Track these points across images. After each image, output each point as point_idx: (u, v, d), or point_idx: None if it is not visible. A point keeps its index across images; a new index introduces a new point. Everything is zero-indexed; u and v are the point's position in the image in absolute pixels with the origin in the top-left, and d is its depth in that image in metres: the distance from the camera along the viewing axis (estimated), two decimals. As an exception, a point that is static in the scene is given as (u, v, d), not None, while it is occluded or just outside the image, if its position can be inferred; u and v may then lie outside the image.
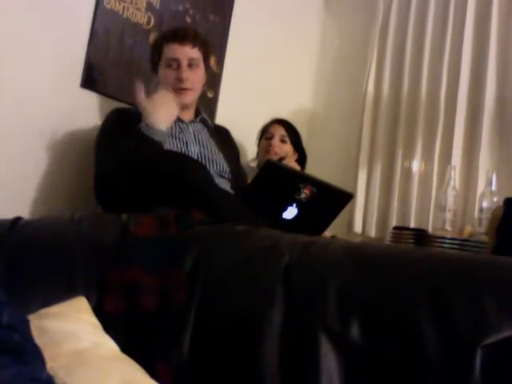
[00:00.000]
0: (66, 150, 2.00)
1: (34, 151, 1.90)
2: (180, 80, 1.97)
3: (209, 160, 1.97)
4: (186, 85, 1.98)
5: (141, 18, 2.25)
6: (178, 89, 1.97)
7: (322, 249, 1.21)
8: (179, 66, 1.98)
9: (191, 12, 2.46)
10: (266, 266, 1.21)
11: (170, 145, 1.92)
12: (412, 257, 1.15)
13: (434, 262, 1.12)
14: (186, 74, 1.97)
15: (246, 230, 1.34)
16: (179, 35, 2.02)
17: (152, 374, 1.04)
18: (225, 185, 1.96)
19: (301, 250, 1.22)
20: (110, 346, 1.05)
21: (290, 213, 1.73)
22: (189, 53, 1.99)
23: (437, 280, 1.06)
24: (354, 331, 1.05)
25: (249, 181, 2.15)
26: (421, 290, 1.05)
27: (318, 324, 1.08)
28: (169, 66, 1.99)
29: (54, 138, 1.96)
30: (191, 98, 2.03)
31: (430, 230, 2.45)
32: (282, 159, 2.44)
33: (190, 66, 1.99)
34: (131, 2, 2.21)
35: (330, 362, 1.04)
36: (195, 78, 2.01)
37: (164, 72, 2.00)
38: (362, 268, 1.13)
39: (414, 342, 1.00)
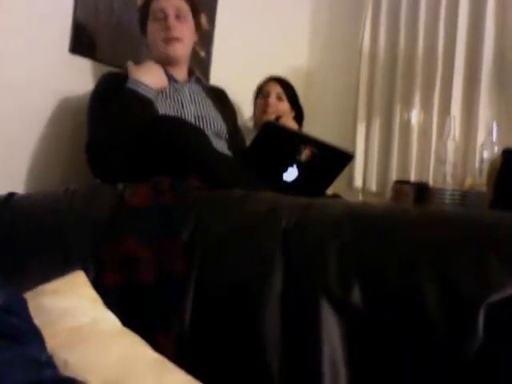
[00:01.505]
0: (60, 118, 1.96)
1: (25, 121, 1.86)
2: (167, 29, 1.93)
3: (205, 120, 1.94)
4: (174, 33, 1.94)
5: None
6: (167, 39, 1.94)
7: (321, 211, 1.20)
8: (166, 16, 1.94)
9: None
10: (264, 230, 1.20)
11: (165, 106, 1.90)
12: (412, 217, 1.14)
13: (434, 221, 1.10)
14: (174, 22, 1.94)
15: (243, 195, 1.32)
16: None
17: (154, 345, 1.04)
18: (222, 145, 1.94)
19: (299, 213, 1.20)
20: (109, 320, 1.05)
21: (291, 174, 1.71)
22: (175, 2, 1.97)
23: (437, 240, 1.05)
24: (355, 294, 1.04)
25: (246, 141, 2.13)
26: (422, 250, 1.04)
27: (318, 288, 1.07)
28: (156, 18, 1.96)
29: (45, 106, 1.92)
30: (181, 49, 1.98)
31: (430, 182, 2.44)
32: (279, 118, 2.40)
33: (178, 17, 1.96)
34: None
35: (331, 326, 1.04)
36: (184, 29, 1.97)
37: (152, 27, 1.97)
38: (361, 230, 1.11)
39: (415, 303, 1.00)
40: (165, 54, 1.95)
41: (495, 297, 0.95)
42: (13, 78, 1.80)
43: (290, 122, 2.42)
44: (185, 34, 1.98)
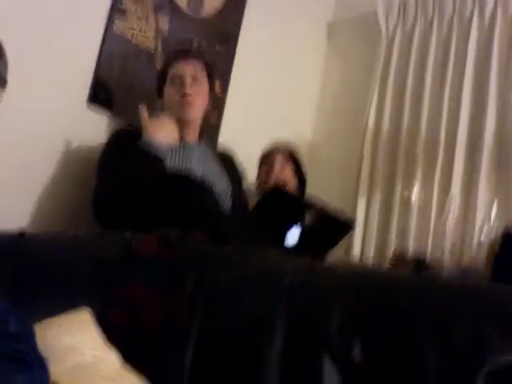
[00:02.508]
0: (70, 164, 2.01)
1: (38, 164, 1.91)
2: (183, 93, 2.00)
3: (212, 181, 1.98)
4: (189, 98, 2.00)
5: (149, 44, 2.29)
6: (182, 101, 2.00)
7: (325, 270, 1.23)
8: (183, 81, 2.01)
9: (198, 40, 2.50)
10: (268, 287, 1.22)
11: (173, 165, 1.94)
12: (415, 281, 1.17)
13: (436, 286, 1.13)
14: (189, 87, 2.01)
15: (249, 252, 1.35)
16: (182, 53, 2.13)
17: (153, 387, 1.04)
18: (227, 206, 1.97)
19: (304, 271, 1.23)
20: (113, 359, 1.05)
21: (293, 238, 1.74)
22: (192, 68, 2.04)
23: (439, 304, 1.07)
24: (357, 353, 1.05)
25: (249, 205, 2.17)
26: (423, 313, 1.06)
27: (321, 345, 1.08)
28: (173, 82, 2.03)
29: (58, 152, 1.98)
30: (194, 112, 2.04)
31: (428, 259, 2.46)
32: (282, 185, 2.44)
33: (194, 81, 2.03)
34: (140, 29, 2.25)
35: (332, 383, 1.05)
36: (198, 93, 2.04)
37: (168, 90, 2.04)
38: (364, 290, 1.14)
39: (415, 365, 1.01)
40: (179, 116, 2.01)
41: (494, 364, 0.97)
42: (31, 121, 1.86)
43: (292, 189, 2.47)
44: (199, 98, 2.05)
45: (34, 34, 1.85)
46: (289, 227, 1.74)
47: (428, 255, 2.50)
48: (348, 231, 1.90)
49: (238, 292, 1.23)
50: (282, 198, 1.83)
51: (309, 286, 1.19)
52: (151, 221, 1.57)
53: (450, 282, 1.17)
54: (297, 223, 1.74)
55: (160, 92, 2.09)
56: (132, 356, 1.09)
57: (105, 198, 1.78)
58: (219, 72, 2.52)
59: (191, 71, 2.04)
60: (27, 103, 1.83)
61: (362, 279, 1.18)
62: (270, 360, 1.10)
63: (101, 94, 2.13)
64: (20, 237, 1.34)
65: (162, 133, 1.88)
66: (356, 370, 1.04)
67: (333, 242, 1.85)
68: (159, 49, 2.33)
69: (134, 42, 2.22)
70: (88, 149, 2.04)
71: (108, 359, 1.04)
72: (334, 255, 2.10)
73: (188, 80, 2.02)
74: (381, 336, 1.06)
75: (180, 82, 2.02)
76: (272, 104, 2.85)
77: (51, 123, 1.92)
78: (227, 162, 2.19)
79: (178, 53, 2.13)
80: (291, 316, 1.14)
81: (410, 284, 1.14)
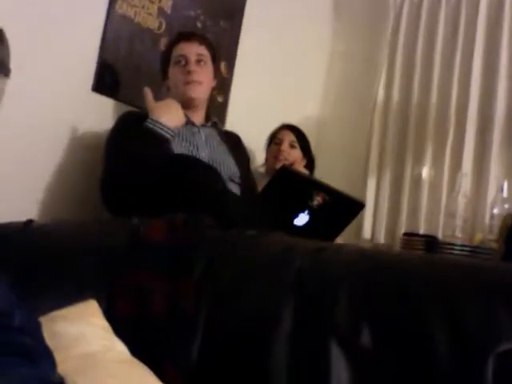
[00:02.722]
0: (77, 153, 2.00)
1: (44, 153, 1.90)
2: (188, 72, 1.98)
3: (219, 164, 1.97)
4: (194, 77, 1.99)
5: (152, 23, 2.26)
6: (187, 82, 1.98)
7: (334, 255, 1.21)
8: (187, 61, 2.00)
9: (202, 18, 2.47)
10: (277, 272, 1.21)
11: (180, 147, 1.93)
12: (424, 264, 1.15)
13: (446, 269, 1.11)
14: (194, 67, 2.00)
15: (256, 236, 1.34)
16: (186, 34, 2.09)
17: (161, 377, 1.04)
18: (235, 189, 1.96)
19: (312, 255, 1.21)
20: (120, 349, 1.05)
21: (302, 219, 1.72)
22: (196, 49, 2.03)
23: (450, 288, 1.06)
24: (366, 339, 1.04)
25: (257, 186, 2.16)
26: (434, 296, 1.05)
27: (329, 331, 1.07)
28: (177, 63, 2.02)
29: (64, 140, 1.96)
30: (199, 91, 2.03)
31: (439, 237, 2.44)
32: (291, 165, 2.44)
33: (199, 62, 2.02)
34: (143, 7, 2.22)
35: (340, 370, 1.04)
36: (203, 74, 2.03)
37: (173, 71, 2.03)
38: (374, 275, 1.12)
39: (425, 349, 1.00)
40: (185, 96, 2.00)
41: (504, 346, 0.95)
42: (37, 110, 1.84)
43: (301, 170, 2.46)
44: (204, 78, 2.04)
45: (35, 19, 1.82)
46: (297, 209, 1.72)
47: (439, 234, 2.49)
48: (359, 211, 1.88)
49: (246, 277, 1.22)
50: (291, 178, 1.80)
51: (317, 269, 1.18)
52: (159, 204, 1.57)
53: (460, 264, 1.14)
54: (306, 205, 1.71)
55: (164, 74, 2.08)
56: (139, 347, 1.08)
57: (113, 182, 1.78)
58: (224, 50, 2.49)
59: (195, 51, 2.02)
60: (31, 89, 1.81)
61: (371, 262, 1.16)
62: (278, 348, 1.09)
63: (105, 80, 2.10)
64: (26, 227, 1.34)
65: (167, 116, 1.87)
66: (364, 356, 1.03)
67: (343, 223, 1.83)
68: (163, 28, 2.30)
69: (136, 20, 2.19)
70: (94, 135, 2.02)
71: (115, 349, 1.04)
72: (345, 237, 2.08)
73: (192, 58, 2.00)
74: (390, 320, 1.05)
75: (184, 61, 2.01)
76: (279, 84, 2.82)
77: (56, 109, 1.90)
78: (234, 144, 2.18)
79: (181, 34, 2.10)
80: (299, 301, 1.13)
81: (420, 267, 1.13)
